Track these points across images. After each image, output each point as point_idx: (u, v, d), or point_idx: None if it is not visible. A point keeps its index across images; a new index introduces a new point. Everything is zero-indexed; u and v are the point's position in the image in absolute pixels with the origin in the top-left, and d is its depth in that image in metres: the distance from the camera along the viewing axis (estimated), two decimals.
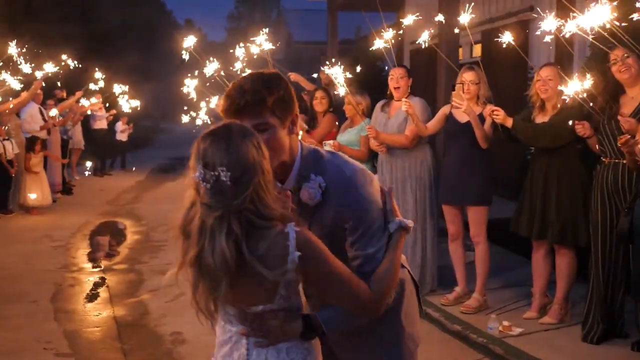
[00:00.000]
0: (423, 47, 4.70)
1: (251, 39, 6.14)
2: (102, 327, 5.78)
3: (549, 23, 3.50)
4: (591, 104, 3.88)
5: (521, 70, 9.48)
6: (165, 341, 5.45)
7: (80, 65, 11.39)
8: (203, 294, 2.03)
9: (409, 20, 4.81)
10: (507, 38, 4.10)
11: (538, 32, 3.65)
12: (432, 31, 4.64)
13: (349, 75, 5.75)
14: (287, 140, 2.25)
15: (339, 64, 4.55)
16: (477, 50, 12.19)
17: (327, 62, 5.45)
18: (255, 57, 6.52)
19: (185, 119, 9.16)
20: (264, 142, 2.07)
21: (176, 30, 38.00)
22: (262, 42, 5.68)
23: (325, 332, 2.14)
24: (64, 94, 13.56)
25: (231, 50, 6.53)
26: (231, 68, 6.54)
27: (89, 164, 15.59)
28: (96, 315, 6.10)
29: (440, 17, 5.13)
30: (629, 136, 4.20)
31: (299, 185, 2.25)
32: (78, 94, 12.98)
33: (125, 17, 25.95)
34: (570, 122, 4.84)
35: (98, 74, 13.66)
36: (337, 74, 5.12)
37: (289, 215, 2.02)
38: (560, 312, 5.27)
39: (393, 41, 5.06)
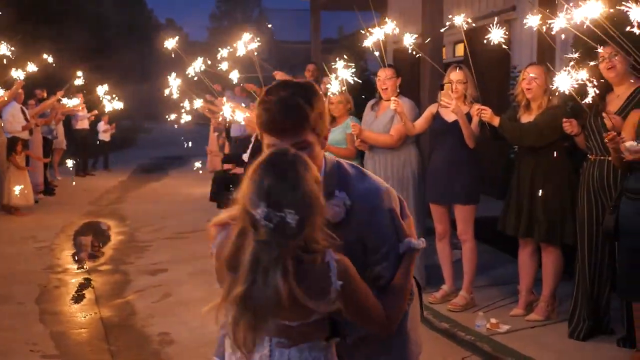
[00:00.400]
0: (409, 49, 4.70)
1: (239, 38, 6.14)
2: (89, 329, 5.75)
3: (533, 19, 3.51)
4: (568, 98, 3.88)
5: (504, 69, 9.55)
6: (153, 342, 5.43)
7: (54, 64, 11.30)
8: (244, 330, 1.95)
9: (389, 28, 4.79)
10: (495, 35, 4.09)
11: (526, 24, 3.66)
12: (414, 35, 4.64)
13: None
14: (321, 156, 2.17)
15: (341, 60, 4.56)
16: (460, 49, 12.25)
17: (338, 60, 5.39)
18: (240, 56, 6.51)
19: (172, 116, 9.11)
20: None
21: (157, 30, 37.93)
22: (248, 41, 5.68)
23: (347, 337, 2.14)
24: (45, 94, 13.44)
25: (219, 54, 6.50)
26: (217, 66, 6.53)
27: (70, 162, 15.41)
28: (82, 316, 6.07)
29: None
30: (615, 133, 4.25)
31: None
32: (59, 93, 12.87)
33: (109, 16, 25.84)
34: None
35: (79, 72, 13.53)
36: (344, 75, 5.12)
37: (328, 244, 1.97)
38: (547, 309, 5.32)
39: (381, 40, 5.06)
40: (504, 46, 3.97)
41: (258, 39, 5.77)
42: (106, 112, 15.74)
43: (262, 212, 1.85)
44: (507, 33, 3.99)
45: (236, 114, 6.83)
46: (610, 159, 4.58)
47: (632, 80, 4.69)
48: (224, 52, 6.54)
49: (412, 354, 2.38)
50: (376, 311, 2.07)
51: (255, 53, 5.71)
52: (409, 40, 4.56)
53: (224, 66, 6.40)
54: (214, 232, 2.11)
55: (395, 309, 2.14)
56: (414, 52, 4.59)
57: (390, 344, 2.31)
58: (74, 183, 14.53)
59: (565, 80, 3.28)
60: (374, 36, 4.70)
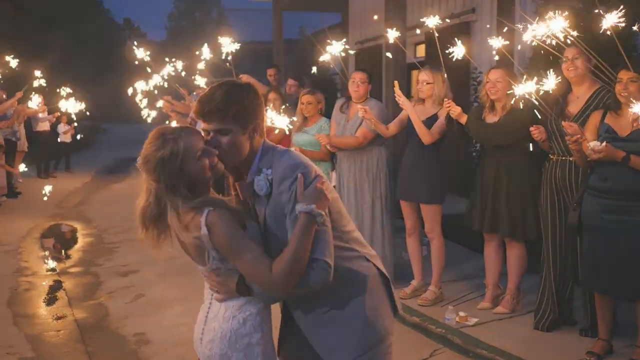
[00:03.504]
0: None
1: (205, 40, 6.22)
2: (64, 330, 5.77)
3: (528, 33, 3.37)
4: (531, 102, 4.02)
5: (464, 70, 9.78)
6: (129, 342, 5.48)
7: (17, 64, 11.19)
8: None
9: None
10: (458, 51, 4.27)
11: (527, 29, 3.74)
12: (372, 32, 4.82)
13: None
14: (247, 144, 2.57)
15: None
16: (421, 50, 12.48)
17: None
18: (208, 61, 6.57)
19: (146, 117, 9.02)
20: (224, 144, 2.52)
21: (116, 30, 37.47)
22: (222, 45, 5.76)
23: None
24: (4, 95, 13.24)
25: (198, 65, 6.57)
26: (196, 72, 6.59)
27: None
28: (56, 318, 6.08)
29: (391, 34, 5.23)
30: (578, 135, 4.43)
31: (253, 178, 2.57)
32: (18, 94, 12.70)
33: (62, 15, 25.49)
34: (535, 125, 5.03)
35: (37, 73, 13.35)
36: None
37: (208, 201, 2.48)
38: (512, 302, 5.52)
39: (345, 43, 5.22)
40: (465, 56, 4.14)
41: (236, 42, 5.85)
42: (65, 112, 15.54)
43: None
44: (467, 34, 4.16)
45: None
46: (571, 159, 4.79)
47: (591, 82, 4.86)
48: (201, 65, 6.58)
49: (366, 338, 2.55)
50: (260, 269, 2.38)
51: (229, 57, 5.78)
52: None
53: (201, 65, 6.47)
54: None
55: (285, 270, 2.37)
56: (373, 51, 4.79)
57: (341, 321, 2.56)
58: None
59: (528, 87, 3.48)
60: (337, 47, 4.87)
